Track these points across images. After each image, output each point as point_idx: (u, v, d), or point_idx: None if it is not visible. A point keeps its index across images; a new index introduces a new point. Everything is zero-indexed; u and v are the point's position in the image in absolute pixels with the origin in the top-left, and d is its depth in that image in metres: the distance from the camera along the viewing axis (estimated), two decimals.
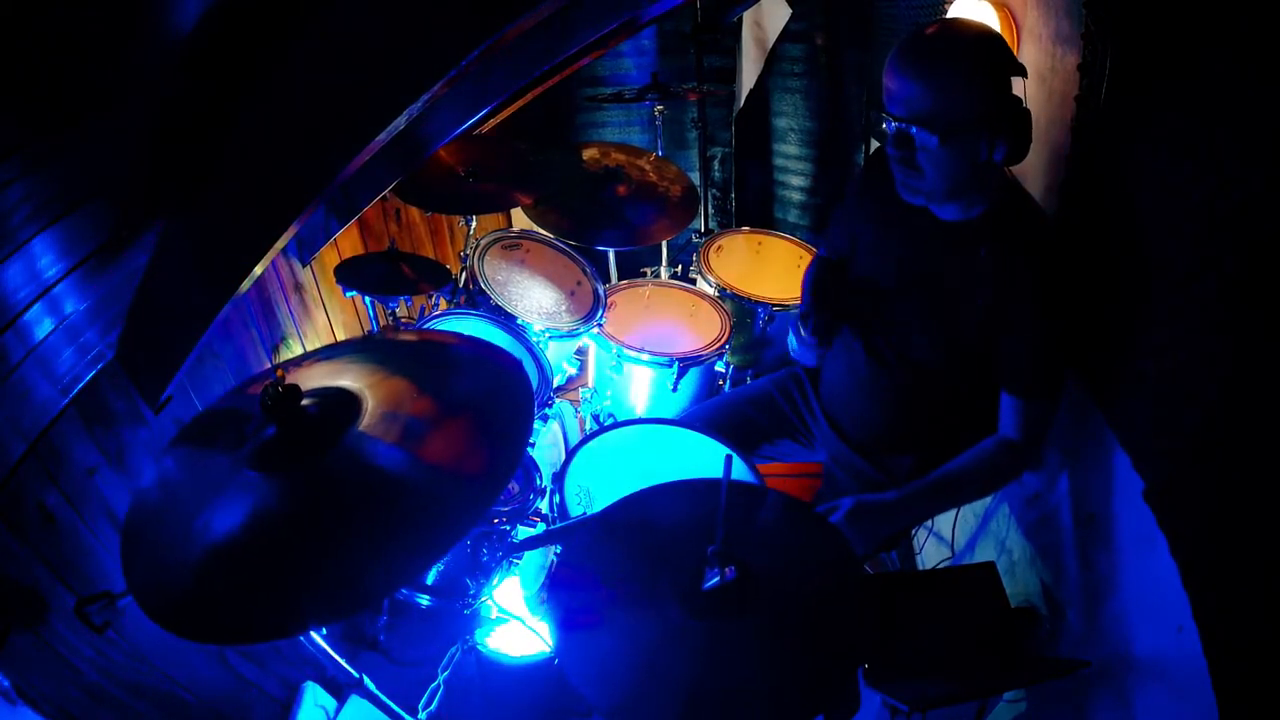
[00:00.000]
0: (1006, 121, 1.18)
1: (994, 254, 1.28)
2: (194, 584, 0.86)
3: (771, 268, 2.44)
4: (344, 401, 0.99)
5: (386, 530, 0.87)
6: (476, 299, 2.06)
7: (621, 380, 2.21)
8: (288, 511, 0.89)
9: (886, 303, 1.46)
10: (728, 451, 1.56)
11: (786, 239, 2.52)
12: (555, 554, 1.56)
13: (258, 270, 1.42)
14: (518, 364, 1.07)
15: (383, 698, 1.45)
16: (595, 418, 2.34)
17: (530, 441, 2.16)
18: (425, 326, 2.00)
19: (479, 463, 0.94)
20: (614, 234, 2.25)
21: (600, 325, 2.15)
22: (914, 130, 1.19)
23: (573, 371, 2.29)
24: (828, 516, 1.28)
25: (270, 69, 1.26)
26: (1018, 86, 1.22)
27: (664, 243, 2.66)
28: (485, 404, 1.03)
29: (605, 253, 2.80)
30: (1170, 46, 1.08)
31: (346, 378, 1.05)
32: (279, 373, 0.92)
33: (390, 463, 0.92)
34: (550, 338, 2.04)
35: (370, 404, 0.99)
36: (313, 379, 1.04)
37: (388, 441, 0.93)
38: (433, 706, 1.81)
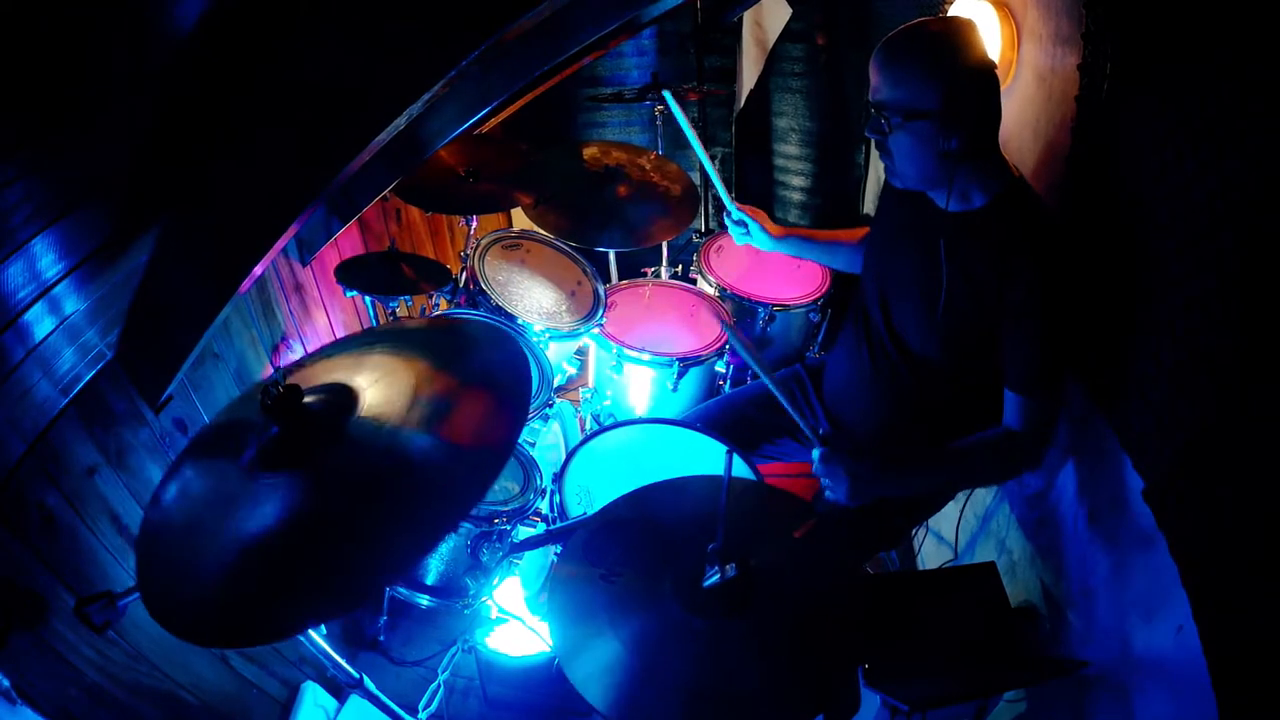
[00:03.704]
0: (963, 115, 1.24)
1: (996, 249, 1.28)
2: (201, 588, 0.86)
3: (771, 268, 2.43)
4: (343, 395, 0.99)
5: (395, 513, 0.87)
6: (477, 299, 2.06)
7: (621, 380, 2.21)
8: (298, 510, 0.89)
9: (891, 298, 1.47)
10: (728, 449, 1.56)
11: None
12: (555, 554, 1.56)
13: (258, 270, 1.42)
14: (510, 338, 1.08)
15: (383, 698, 1.45)
16: (595, 418, 2.34)
17: (531, 441, 2.16)
18: None
19: (491, 434, 0.94)
20: (614, 234, 2.24)
21: (600, 325, 2.15)
22: (883, 116, 1.29)
23: (573, 371, 2.29)
24: (834, 452, 1.32)
25: (270, 69, 1.26)
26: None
27: (664, 243, 2.66)
28: (480, 376, 1.03)
29: (605, 253, 2.79)
30: (1170, 46, 1.08)
31: (340, 372, 1.05)
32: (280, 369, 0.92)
33: (392, 446, 0.92)
34: (550, 338, 2.04)
35: (366, 391, 0.99)
36: (313, 378, 1.04)
37: (389, 426, 0.94)
38: (433, 706, 1.81)
